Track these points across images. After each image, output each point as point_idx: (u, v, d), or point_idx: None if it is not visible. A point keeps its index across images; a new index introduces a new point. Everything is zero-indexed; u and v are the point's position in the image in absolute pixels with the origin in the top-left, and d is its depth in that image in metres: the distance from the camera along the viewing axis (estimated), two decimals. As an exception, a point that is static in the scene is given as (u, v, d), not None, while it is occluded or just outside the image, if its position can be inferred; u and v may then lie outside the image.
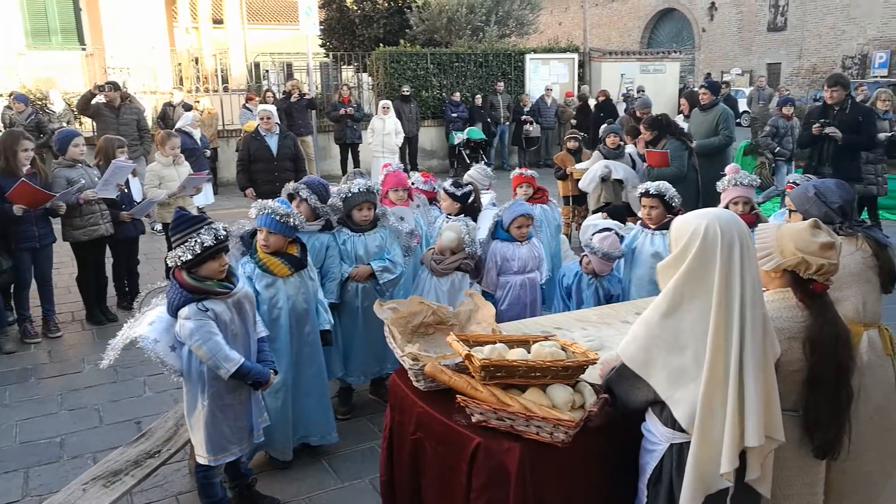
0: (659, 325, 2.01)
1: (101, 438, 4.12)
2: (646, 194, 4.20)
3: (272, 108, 7.56)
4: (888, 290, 2.89)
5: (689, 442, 1.98)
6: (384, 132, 11.90)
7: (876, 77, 22.11)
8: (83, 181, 5.57)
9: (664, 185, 4.18)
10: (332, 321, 3.79)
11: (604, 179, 7.02)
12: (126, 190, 6.06)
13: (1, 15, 15.40)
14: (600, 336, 3.05)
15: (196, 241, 2.82)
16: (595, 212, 6.84)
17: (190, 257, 2.83)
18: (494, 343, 2.45)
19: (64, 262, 6.74)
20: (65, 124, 10.80)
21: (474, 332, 2.85)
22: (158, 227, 6.30)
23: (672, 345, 1.98)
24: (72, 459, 3.91)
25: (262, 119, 7.14)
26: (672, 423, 2.03)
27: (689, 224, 2.02)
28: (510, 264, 4.32)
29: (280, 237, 3.43)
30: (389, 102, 12.45)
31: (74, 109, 12.49)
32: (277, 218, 3.37)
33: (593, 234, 4.23)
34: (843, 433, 2.21)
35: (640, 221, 4.50)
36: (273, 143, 7.15)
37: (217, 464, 3.06)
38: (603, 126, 8.48)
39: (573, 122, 14.56)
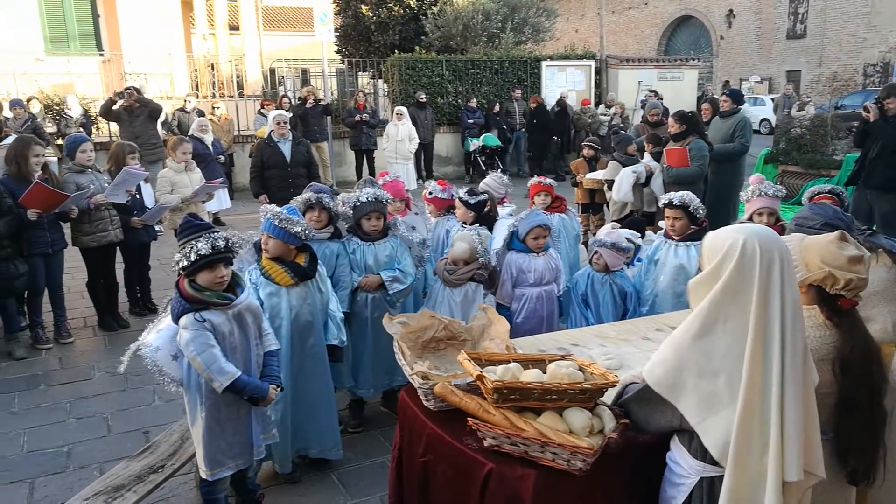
0: (690, 347, 1.89)
1: (109, 448, 4.05)
2: (669, 205, 4.09)
3: (286, 114, 7.51)
4: None
5: (721, 476, 1.85)
6: (398, 138, 11.85)
7: (898, 85, 21.73)
8: (92, 186, 5.54)
9: (688, 196, 4.07)
10: (345, 340, 3.67)
11: (643, 184, 6.86)
12: (137, 196, 6.02)
13: (21, 22, 15.56)
14: (620, 354, 2.93)
15: (192, 248, 2.77)
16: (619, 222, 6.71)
17: (185, 264, 2.78)
18: (508, 362, 2.34)
19: (78, 267, 6.71)
20: (81, 129, 10.86)
21: (487, 348, 2.75)
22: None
23: (704, 369, 1.86)
24: (78, 470, 3.84)
25: (276, 125, 7.08)
26: (703, 455, 1.91)
27: (724, 240, 1.89)
28: (526, 276, 4.21)
29: (279, 242, 3.35)
30: (404, 109, 12.40)
31: (92, 114, 12.58)
32: (276, 222, 3.30)
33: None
34: (878, 457, 2.08)
35: (661, 232, 4.39)
36: (286, 149, 7.08)
37: (213, 479, 2.97)
38: (615, 135, 8.38)
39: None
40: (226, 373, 2.79)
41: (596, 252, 4.18)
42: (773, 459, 1.78)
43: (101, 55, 16.72)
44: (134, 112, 9.56)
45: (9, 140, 6.15)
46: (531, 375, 2.22)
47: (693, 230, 4.09)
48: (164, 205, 6.15)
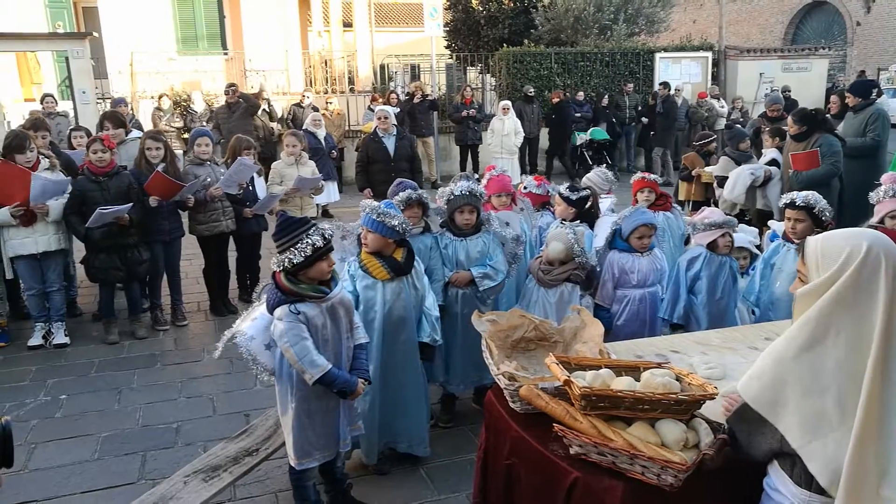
0: (795, 360, 1.71)
1: (213, 428, 4.26)
2: (791, 205, 3.78)
3: (389, 110, 7.61)
4: None
5: None
6: (503, 133, 11.75)
7: None
8: (209, 179, 5.84)
9: (813, 197, 3.73)
10: (438, 339, 3.64)
11: (756, 186, 6.47)
12: (251, 188, 6.28)
13: (158, 24, 16.71)
14: (723, 363, 2.73)
15: (307, 242, 2.78)
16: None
17: (301, 259, 2.80)
18: (599, 368, 2.23)
19: (195, 254, 7.12)
20: (205, 123, 11.54)
21: (580, 351, 2.63)
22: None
23: (810, 385, 1.68)
24: (185, 446, 4.06)
25: (378, 119, 7.19)
26: (808, 482, 1.72)
27: (840, 245, 1.70)
28: (629, 277, 4.02)
29: (378, 236, 3.37)
30: (509, 103, 12.27)
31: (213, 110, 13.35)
32: (374, 216, 3.33)
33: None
34: None
35: (770, 232, 4.10)
36: (390, 144, 7.18)
37: (301, 468, 3.03)
38: (728, 129, 7.93)
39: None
40: (317, 365, 2.83)
41: (724, 234, 4.05)
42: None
43: (226, 54, 17.67)
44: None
45: (133, 135, 6.59)
46: (623, 383, 2.10)
47: (817, 233, 3.77)
48: (275, 195, 6.38)
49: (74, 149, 6.81)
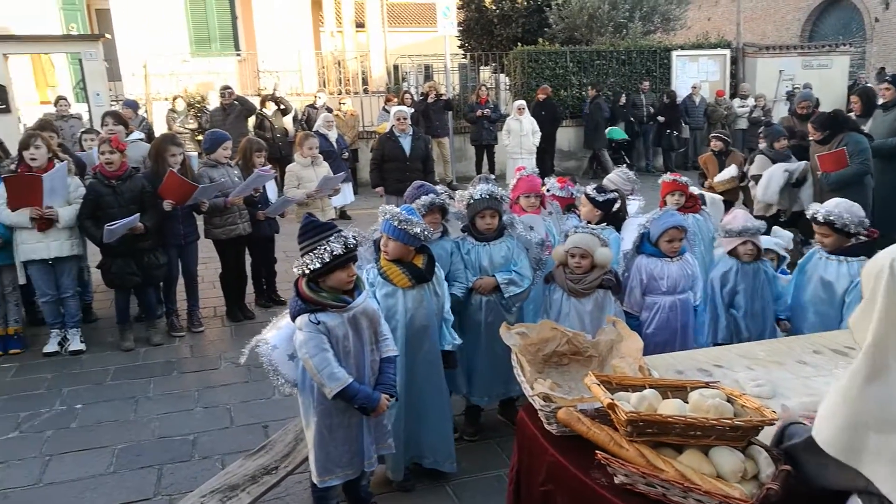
0: (861, 395, 1.52)
1: (231, 440, 4.14)
2: (814, 220, 3.64)
3: (406, 110, 7.52)
4: None
5: None
6: (521, 133, 11.58)
7: None
8: (224, 181, 5.74)
9: (837, 210, 3.55)
10: (458, 340, 3.50)
11: (794, 185, 6.27)
12: (262, 189, 6.17)
13: (172, 26, 16.70)
14: (771, 379, 2.56)
15: (325, 248, 2.69)
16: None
17: (318, 265, 2.70)
18: (643, 388, 2.08)
19: (211, 258, 7.02)
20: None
21: (617, 367, 2.48)
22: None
23: (882, 421, 1.50)
24: (202, 460, 3.94)
25: (397, 120, 7.09)
26: None
27: (875, 262, 1.55)
28: (658, 283, 3.85)
29: (399, 244, 3.24)
30: (524, 102, 12.10)
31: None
32: (396, 224, 3.19)
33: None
34: None
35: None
36: (406, 143, 7.12)
37: (322, 486, 2.90)
38: (763, 128, 7.71)
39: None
40: (337, 379, 2.71)
41: (745, 242, 3.89)
42: None
43: (238, 55, 17.62)
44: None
45: (134, 136, 6.50)
46: (671, 406, 1.94)
47: (851, 243, 3.58)
48: (289, 199, 6.27)
49: (84, 150, 6.75)
